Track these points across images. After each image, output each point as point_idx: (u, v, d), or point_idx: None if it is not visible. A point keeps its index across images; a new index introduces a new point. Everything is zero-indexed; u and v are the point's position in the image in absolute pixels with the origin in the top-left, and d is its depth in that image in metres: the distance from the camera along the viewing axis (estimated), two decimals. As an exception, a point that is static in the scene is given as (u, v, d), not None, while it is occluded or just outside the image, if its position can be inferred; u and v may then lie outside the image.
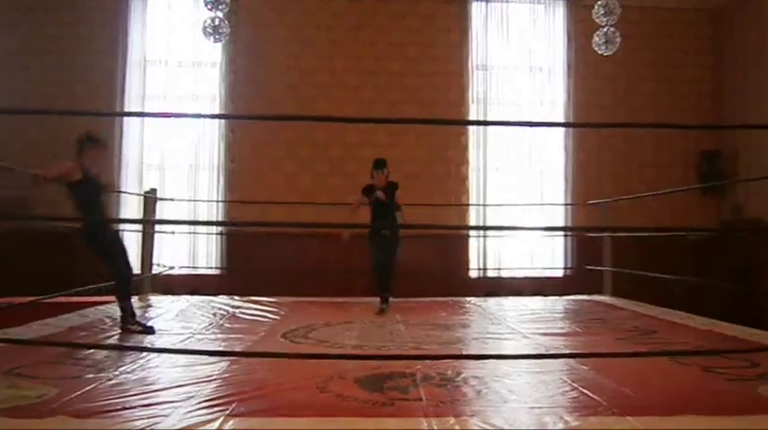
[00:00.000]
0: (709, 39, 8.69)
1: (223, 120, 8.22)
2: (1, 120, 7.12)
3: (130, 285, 4.60)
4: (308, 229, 7.69)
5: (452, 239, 8.27)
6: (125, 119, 8.09)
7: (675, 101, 8.47)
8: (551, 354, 3.75)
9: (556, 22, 8.57)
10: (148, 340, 4.19)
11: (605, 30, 6.11)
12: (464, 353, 3.65)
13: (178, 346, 3.83)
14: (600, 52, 6.29)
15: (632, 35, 7.73)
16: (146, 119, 8.29)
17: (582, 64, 8.37)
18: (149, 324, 4.57)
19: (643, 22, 8.40)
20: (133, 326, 4.37)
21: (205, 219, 8.14)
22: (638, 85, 8.50)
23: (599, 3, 6.04)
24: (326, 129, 8.14)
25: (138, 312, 5.40)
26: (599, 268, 6.84)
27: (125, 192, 7.72)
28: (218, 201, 8.11)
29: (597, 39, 6.20)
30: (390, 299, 5.80)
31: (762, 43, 7.78)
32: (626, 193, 7.03)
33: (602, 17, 6.07)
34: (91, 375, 3.06)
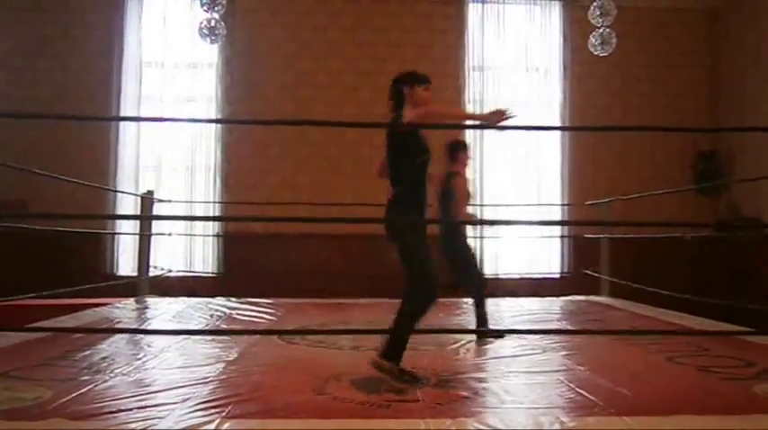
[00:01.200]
0: (706, 39, 8.70)
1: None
2: (-2, 122, 7.13)
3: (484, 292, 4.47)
4: (305, 231, 7.67)
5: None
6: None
7: (672, 101, 8.49)
8: (530, 330, 3.75)
9: (552, 23, 8.58)
10: (146, 342, 4.18)
11: (601, 30, 6.12)
12: (462, 355, 3.65)
13: (174, 348, 3.82)
14: (596, 53, 6.31)
15: (628, 36, 7.74)
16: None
17: (578, 64, 8.38)
18: (147, 326, 4.56)
19: (639, 23, 8.41)
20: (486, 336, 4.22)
21: (202, 221, 8.13)
22: (634, 85, 8.51)
23: (595, 4, 6.06)
24: (324, 128, 8.13)
25: (134, 314, 5.42)
26: (595, 274, 6.85)
27: (122, 192, 7.71)
28: (215, 202, 8.09)
29: (593, 39, 6.22)
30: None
31: (758, 44, 7.80)
32: (622, 193, 7.04)
33: (597, 18, 6.09)
34: (86, 377, 3.06)
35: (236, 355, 3.60)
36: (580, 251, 7.96)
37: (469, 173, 8.21)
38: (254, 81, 8.19)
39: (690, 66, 8.66)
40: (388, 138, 3.19)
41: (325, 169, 8.15)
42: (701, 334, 4.32)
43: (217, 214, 8.14)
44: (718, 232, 7.52)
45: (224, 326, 4.85)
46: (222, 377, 3.12)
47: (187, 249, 8.09)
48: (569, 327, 4.98)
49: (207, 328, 4.75)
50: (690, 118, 8.44)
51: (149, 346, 3.83)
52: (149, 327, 4.82)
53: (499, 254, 8.34)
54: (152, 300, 6.19)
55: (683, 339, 4.28)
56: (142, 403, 2.64)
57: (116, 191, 7.63)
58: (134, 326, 4.80)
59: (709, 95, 8.63)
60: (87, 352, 3.63)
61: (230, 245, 8.10)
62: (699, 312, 5.25)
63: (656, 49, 8.59)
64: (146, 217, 6.38)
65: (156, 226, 6.68)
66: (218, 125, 8.19)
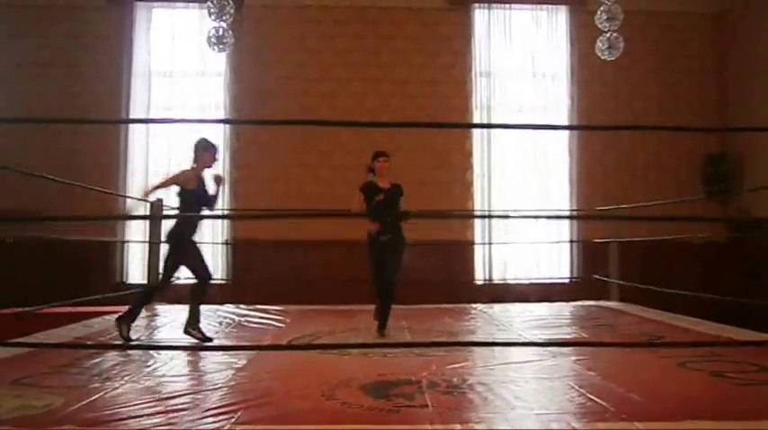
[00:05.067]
0: (713, 43, 8.66)
1: (228, 129, 8.25)
2: (5, 129, 7.17)
3: None
4: (312, 238, 7.68)
5: (457, 245, 8.25)
6: (130, 128, 8.13)
7: (680, 105, 8.45)
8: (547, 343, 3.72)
9: (558, 28, 8.57)
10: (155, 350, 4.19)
11: (608, 35, 6.10)
12: (471, 361, 3.63)
13: (183, 355, 3.82)
14: (603, 57, 6.29)
15: (636, 40, 7.72)
16: (151, 128, 8.30)
17: (585, 69, 8.37)
18: (157, 333, 4.57)
19: (647, 27, 8.39)
20: None
21: (209, 228, 8.15)
22: (642, 89, 8.48)
23: (601, 8, 6.04)
24: (330, 136, 8.15)
25: (144, 322, 5.43)
26: (605, 278, 6.81)
27: (132, 198, 7.71)
28: (223, 209, 8.11)
29: (600, 44, 6.19)
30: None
31: (766, 47, 7.76)
32: (630, 197, 7.01)
33: (604, 22, 6.06)
34: (97, 384, 3.07)
35: (245, 362, 3.59)
36: (589, 256, 7.92)
37: (477, 178, 8.30)
38: (262, 89, 8.23)
39: (697, 70, 8.63)
40: None
41: (331, 177, 8.16)
42: (742, 344, 4.14)
43: (225, 222, 8.15)
44: (737, 232, 7.46)
45: (233, 334, 4.86)
46: (232, 383, 3.12)
47: (196, 257, 8.10)
48: (580, 333, 4.94)
49: (217, 335, 4.76)
50: (698, 121, 8.40)
51: (159, 354, 3.83)
52: (159, 335, 4.83)
53: (509, 259, 8.32)
54: (161, 307, 6.21)
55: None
56: (153, 410, 2.64)
57: (126, 196, 7.66)
58: (144, 334, 4.81)
59: (717, 99, 8.59)
60: (97, 359, 3.64)
61: (239, 252, 8.12)
62: (710, 316, 5.19)
63: (664, 53, 8.56)
64: (152, 217, 6.37)
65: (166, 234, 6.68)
66: (227, 133, 8.22)
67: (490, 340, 4.59)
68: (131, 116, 8.14)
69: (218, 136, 8.21)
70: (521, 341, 4.56)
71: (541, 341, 4.53)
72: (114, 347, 4.17)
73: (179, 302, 6.82)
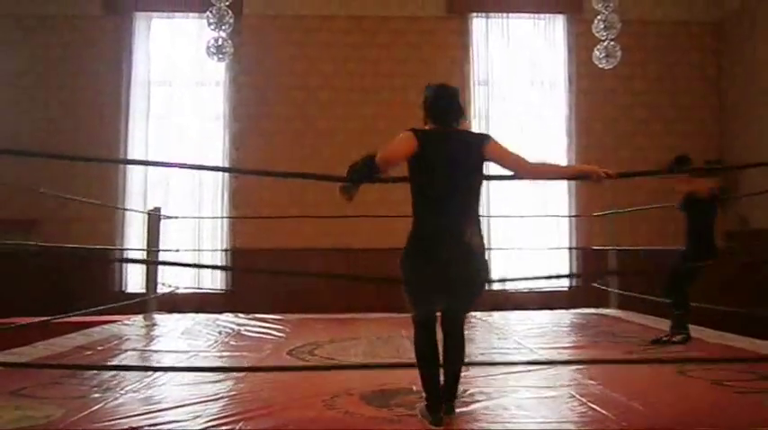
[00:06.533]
0: (713, 52, 8.70)
1: (227, 138, 8.26)
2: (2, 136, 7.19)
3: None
4: (311, 246, 7.68)
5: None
6: (129, 135, 8.13)
7: (679, 113, 8.47)
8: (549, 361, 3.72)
9: (556, 37, 8.60)
10: (154, 359, 4.19)
11: (605, 44, 6.13)
12: (471, 370, 3.62)
13: (184, 364, 3.82)
14: (600, 66, 6.31)
15: (634, 48, 7.76)
16: (149, 136, 8.31)
17: (584, 78, 8.40)
18: (155, 343, 4.56)
19: (645, 36, 8.43)
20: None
21: (209, 236, 8.15)
22: (640, 97, 8.51)
23: (599, 17, 6.07)
24: (331, 145, 8.16)
25: (143, 331, 5.43)
26: (604, 286, 6.82)
27: (130, 210, 7.75)
28: (222, 217, 8.12)
29: (597, 53, 6.22)
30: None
31: (764, 55, 7.80)
32: (629, 203, 7.03)
33: (601, 31, 6.09)
34: (97, 395, 3.06)
35: (245, 372, 3.58)
36: (589, 263, 7.93)
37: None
38: (262, 98, 8.25)
39: (696, 78, 8.66)
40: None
41: (332, 186, 8.14)
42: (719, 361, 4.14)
43: (225, 231, 8.14)
44: (731, 241, 7.48)
45: (233, 343, 4.84)
46: (232, 393, 3.11)
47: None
48: (580, 341, 4.94)
49: (216, 344, 4.75)
50: (696, 129, 8.44)
51: (159, 363, 3.83)
52: (158, 344, 4.81)
53: (508, 267, 8.31)
54: (160, 317, 6.20)
55: (692, 352, 4.25)
56: (153, 420, 2.64)
57: (124, 209, 7.67)
58: (143, 344, 4.80)
59: (716, 107, 8.62)
60: (95, 371, 3.62)
61: (238, 261, 8.11)
62: (708, 324, 5.19)
63: (663, 62, 8.60)
64: (154, 212, 6.37)
65: (164, 243, 6.69)
66: (226, 141, 8.23)
67: (490, 350, 4.59)
68: (130, 125, 8.14)
69: (218, 145, 8.25)
70: (523, 360, 4.54)
71: (542, 358, 4.52)
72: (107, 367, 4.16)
73: (179, 311, 6.84)
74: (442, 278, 2.53)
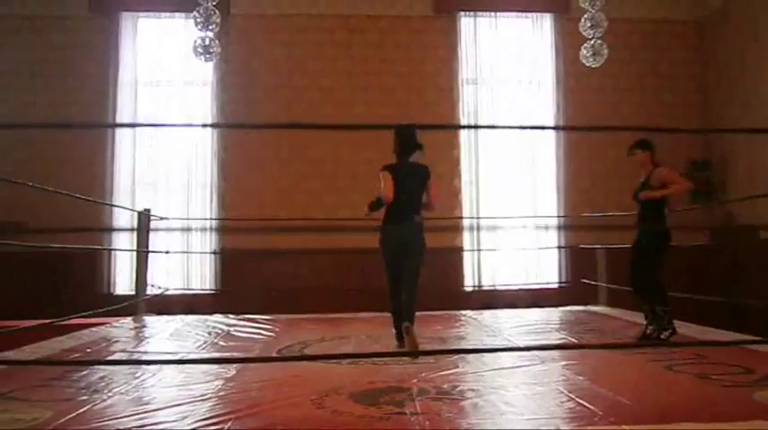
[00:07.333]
0: (696, 50, 8.78)
1: (216, 139, 8.23)
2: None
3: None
4: (301, 247, 7.65)
5: (446, 252, 8.26)
6: (117, 137, 8.08)
7: (664, 110, 8.54)
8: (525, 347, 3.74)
9: (544, 36, 8.65)
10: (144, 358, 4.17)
11: (592, 42, 6.17)
12: (461, 367, 3.64)
13: (172, 366, 3.80)
14: (587, 65, 6.36)
15: (620, 47, 7.81)
16: (137, 138, 8.26)
17: (571, 76, 8.44)
18: (144, 344, 4.54)
19: (630, 34, 8.50)
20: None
21: (198, 237, 8.12)
22: (626, 95, 8.57)
23: (585, 16, 6.11)
24: (319, 144, 8.17)
25: (132, 332, 5.40)
26: (593, 282, 6.85)
27: (120, 207, 7.67)
28: (211, 219, 8.10)
29: (584, 51, 6.26)
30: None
31: (744, 53, 7.88)
32: (617, 203, 7.07)
33: (588, 30, 6.13)
34: (85, 397, 3.04)
35: (234, 372, 3.58)
36: (578, 261, 7.97)
37: (465, 186, 8.35)
38: (250, 98, 8.22)
39: (680, 75, 8.74)
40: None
41: (320, 186, 8.16)
42: (709, 344, 4.28)
43: (214, 232, 8.12)
44: (716, 239, 7.54)
45: (222, 344, 4.83)
46: (221, 393, 3.11)
47: (184, 266, 8.08)
48: (569, 337, 4.97)
49: (206, 345, 4.74)
50: (682, 126, 8.52)
51: (147, 365, 3.81)
52: (147, 346, 4.80)
53: (497, 265, 8.35)
54: (149, 319, 6.17)
55: (677, 347, 4.28)
56: (141, 422, 2.63)
57: (113, 205, 7.60)
58: (132, 345, 4.78)
59: (700, 104, 8.70)
60: (85, 371, 3.60)
61: (228, 261, 8.09)
62: (695, 319, 5.24)
63: (648, 60, 8.67)
64: (147, 213, 6.36)
65: (154, 244, 6.66)
66: (215, 143, 8.20)
67: (480, 346, 4.61)
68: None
69: (206, 146, 8.22)
70: (509, 346, 4.57)
71: (530, 346, 4.55)
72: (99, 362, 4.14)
73: (168, 313, 6.81)
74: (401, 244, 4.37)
